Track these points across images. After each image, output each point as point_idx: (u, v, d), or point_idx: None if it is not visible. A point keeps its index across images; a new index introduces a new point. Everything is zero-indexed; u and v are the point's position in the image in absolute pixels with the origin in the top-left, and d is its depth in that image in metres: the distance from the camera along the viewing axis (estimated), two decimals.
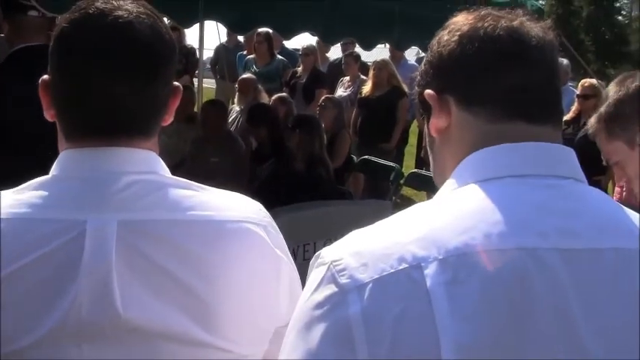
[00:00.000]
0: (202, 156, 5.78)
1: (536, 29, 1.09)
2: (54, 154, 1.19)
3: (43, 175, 1.16)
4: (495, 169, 1.03)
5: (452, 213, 0.99)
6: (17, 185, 1.16)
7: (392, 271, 0.92)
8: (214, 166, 5.61)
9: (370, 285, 0.92)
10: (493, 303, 0.89)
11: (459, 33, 1.10)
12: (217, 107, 6.17)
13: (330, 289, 0.95)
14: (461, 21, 1.12)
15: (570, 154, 1.06)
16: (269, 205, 1.28)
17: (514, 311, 0.89)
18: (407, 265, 0.92)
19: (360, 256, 0.96)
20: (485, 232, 0.94)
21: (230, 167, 5.64)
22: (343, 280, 0.94)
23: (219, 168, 5.55)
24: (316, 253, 1.02)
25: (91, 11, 1.14)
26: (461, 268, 0.91)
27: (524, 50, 1.07)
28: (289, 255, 1.26)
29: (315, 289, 0.97)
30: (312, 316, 0.95)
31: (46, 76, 1.19)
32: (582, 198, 1.02)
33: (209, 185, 1.22)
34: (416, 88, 1.19)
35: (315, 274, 0.99)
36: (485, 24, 1.08)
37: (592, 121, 2.00)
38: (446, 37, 1.12)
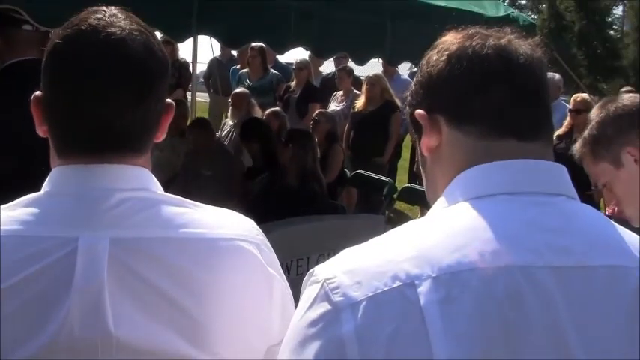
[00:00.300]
0: (195, 169, 5.78)
1: (524, 47, 1.10)
2: (47, 170, 1.19)
3: (34, 191, 1.16)
4: (486, 187, 1.03)
5: (444, 231, 0.99)
6: (7, 201, 1.16)
7: (385, 289, 0.92)
8: (207, 180, 5.61)
9: (364, 303, 0.92)
10: (486, 321, 0.89)
11: (447, 52, 1.11)
12: (202, 125, 6.16)
13: (323, 307, 0.94)
14: (449, 40, 1.13)
15: (562, 171, 1.07)
16: (262, 220, 1.28)
17: (507, 329, 0.89)
18: (400, 283, 0.92)
19: (354, 274, 0.95)
20: (478, 249, 0.94)
21: (223, 180, 5.64)
22: (337, 298, 0.94)
23: (212, 181, 5.56)
24: (310, 271, 1.02)
25: (83, 27, 1.14)
26: (454, 286, 0.91)
27: (512, 68, 1.07)
28: (282, 273, 1.26)
29: (309, 307, 0.97)
30: (305, 334, 0.95)
31: (38, 92, 1.19)
32: (574, 215, 1.02)
33: (201, 199, 1.22)
34: (407, 108, 1.20)
35: (309, 291, 0.99)
36: (474, 43, 1.09)
37: (577, 146, 2.05)
38: (435, 57, 1.13)
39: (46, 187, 1.16)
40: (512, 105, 1.07)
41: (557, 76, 8.15)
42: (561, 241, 0.97)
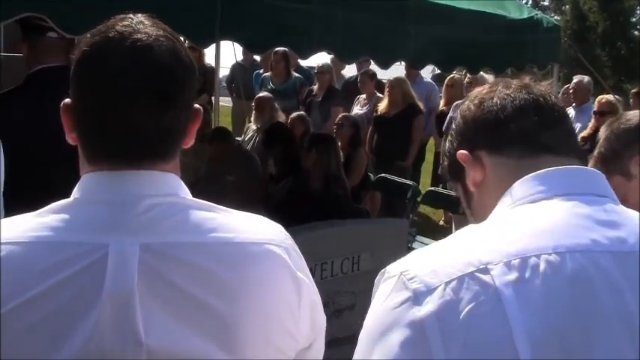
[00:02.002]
0: (218, 174, 5.79)
1: (543, 86, 1.28)
2: (75, 177, 1.19)
3: (60, 198, 1.16)
4: (542, 191, 1.14)
5: (507, 227, 1.09)
6: (32, 207, 1.16)
7: (460, 274, 1.00)
8: (230, 185, 5.63)
9: (441, 287, 1.00)
10: (557, 298, 0.97)
11: (478, 97, 1.28)
12: (221, 136, 6.18)
13: (402, 295, 1.02)
14: (477, 90, 1.31)
15: (602, 177, 1.19)
16: (286, 225, 1.28)
17: (577, 306, 0.98)
18: (474, 269, 1.00)
19: (428, 265, 1.04)
20: (542, 238, 1.03)
21: (246, 186, 5.66)
22: (415, 285, 1.01)
23: (235, 186, 5.57)
24: (381, 271, 1.10)
25: (111, 35, 1.14)
26: (524, 269, 0.99)
27: (536, 99, 1.24)
28: (311, 277, 1.26)
29: (387, 297, 1.04)
30: (385, 322, 1.02)
31: (67, 100, 1.19)
32: (621, 212, 1.12)
33: (224, 203, 1.22)
34: (445, 160, 1.37)
35: (384, 287, 1.06)
36: (500, 86, 1.28)
37: (590, 165, 2.14)
38: (466, 104, 1.30)
39: (75, 193, 1.16)
40: (543, 129, 1.21)
41: (586, 78, 8.10)
42: (616, 233, 1.06)
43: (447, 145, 1.34)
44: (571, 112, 7.99)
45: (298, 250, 1.25)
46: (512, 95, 1.24)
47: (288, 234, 1.26)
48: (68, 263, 1.07)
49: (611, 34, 33.50)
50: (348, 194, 5.34)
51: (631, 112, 2.18)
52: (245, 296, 1.13)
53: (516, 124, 1.21)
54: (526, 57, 5.47)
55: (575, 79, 8.21)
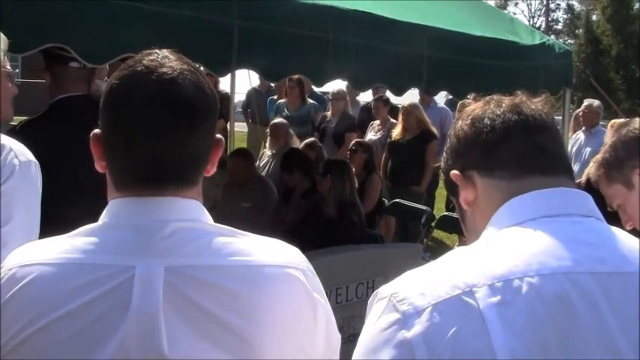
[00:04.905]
0: (233, 201, 5.83)
1: (535, 103, 1.29)
2: (102, 202, 1.26)
3: (86, 222, 1.23)
4: (527, 213, 1.18)
5: (494, 249, 1.13)
6: (55, 231, 1.23)
7: (447, 296, 1.05)
8: (245, 212, 5.66)
9: (429, 309, 1.05)
10: (539, 320, 1.02)
11: (470, 117, 1.30)
12: (243, 155, 6.21)
13: (392, 317, 1.07)
14: (471, 108, 1.33)
15: (588, 197, 1.22)
16: (301, 250, 1.34)
17: (559, 328, 1.02)
18: (460, 291, 1.05)
19: (417, 287, 1.09)
20: (526, 261, 1.08)
21: (261, 212, 5.69)
22: (404, 307, 1.07)
23: (250, 214, 5.61)
24: (374, 292, 1.15)
25: (138, 69, 1.22)
26: (507, 292, 1.04)
27: (525, 120, 1.25)
28: (326, 298, 1.32)
29: (378, 319, 1.09)
30: (376, 342, 1.07)
31: (97, 130, 1.26)
32: (604, 232, 1.17)
33: (241, 229, 1.28)
34: (442, 174, 1.38)
35: (377, 307, 1.11)
36: (492, 105, 1.29)
37: (593, 169, 2.13)
38: (459, 124, 1.32)
39: (104, 217, 1.24)
40: (532, 150, 1.23)
41: (596, 102, 8.07)
42: (598, 253, 1.11)
43: (443, 162, 1.37)
44: (581, 136, 7.98)
45: (314, 271, 1.31)
46: (501, 116, 1.26)
47: (304, 256, 1.32)
48: (96, 284, 1.14)
49: (625, 57, 33.42)
50: (363, 219, 5.36)
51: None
52: (263, 315, 1.18)
53: (506, 145, 1.23)
54: (538, 82, 5.48)
55: (585, 102, 8.21)
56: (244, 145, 9.84)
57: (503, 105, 1.28)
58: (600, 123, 8.28)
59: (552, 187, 1.20)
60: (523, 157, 1.23)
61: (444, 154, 1.36)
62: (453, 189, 1.33)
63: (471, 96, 8.14)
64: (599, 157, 2.11)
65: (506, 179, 1.23)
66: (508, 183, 1.22)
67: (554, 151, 1.25)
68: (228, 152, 6.71)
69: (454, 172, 1.29)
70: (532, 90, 1.34)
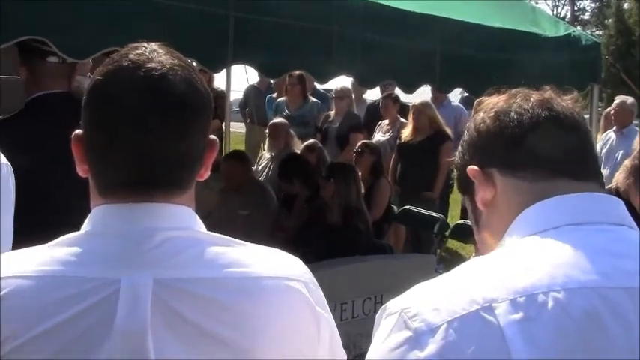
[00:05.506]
0: (229, 208, 5.82)
1: (565, 101, 1.27)
2: (82, 203, 1.24)
3: (65, 223, 1.21)
4: (552, 220, 1.15)
5: (514, 260, 1.10)
6: (38, 231, 1.21)
7: (464, 312, 1.02)
8: (243, 220, 5.65)
9: (444, 326, 1.02)
10: (565, 339, 0.99)
11: (494, 109, 1.28)
12: (238, 158, 6.19)
13: (403, 335, 1.05)
14: (494, 100, 1.30)
15: (620, 203, 1.19)
16: (303, 261, 1.32)
17: (588, 347, 0.99)
18: (478, 307, 1.03)
19: (430, 302, 1.06)
20: (551, 273, 1.05)
21: (259, 220, 5.68)
22: (416, 325, 1.04)
23: (248, 222, 5.60)
24: (382, 307, 1.13)
25: (124, 64, 1.20)
26: (531, 307, 1.01)
27: (556, 117, 1.23)
28: (329, 311, 1.31)
29: (387, 337, 1.07)
30: None
31: (79, 131, 1.24)
32: (635, 242, 1.13)
33: (237, 238, 1.27)
34: (454, 170, 1.35)
35: (385, 323, 1.09)
36: (518, 99, 1.27)
37: (620, 177, 2.11)
38: (481, 116, 1.30)
39: (86, 226, 1.22)
40: (561, 151, 1.21)
41: (629, 99, 7.98)
42: (628, 265, 1.08)
43: (458, 156, 1.34)
44: (612, 136, 7.90)
45: (317, 283, 1.30)
46: (530, 111, 1.23)
47: (306, 268, 1.31)
48: (78, 299, 1.12)
49: None
50: (370, 228, 5.35)
51: None
52: (262, 329, 1.17)
53: (532, 143, 1.21)
54: (562, 77, 5.45)
55: (617, 99, 8.11)
56: (241, 147, 9.84)
57: (532, 99, 1.25)
58: (633, 122, 8.17)
59: (581, 192, 1.18)
60: (550, 157, 1.20)
61: (460, 147, 1.34)
62: (466, 187, 1.31)
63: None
64: (627, 163, 2.10)
65: (528, 180, 1.20)
66: (530, 184, 1.20)
67: (586, 153, 1.24)
68: (223, 155, 6.70)
69: (472, 167, 1.27)
70: (556, 86, 1.31)
